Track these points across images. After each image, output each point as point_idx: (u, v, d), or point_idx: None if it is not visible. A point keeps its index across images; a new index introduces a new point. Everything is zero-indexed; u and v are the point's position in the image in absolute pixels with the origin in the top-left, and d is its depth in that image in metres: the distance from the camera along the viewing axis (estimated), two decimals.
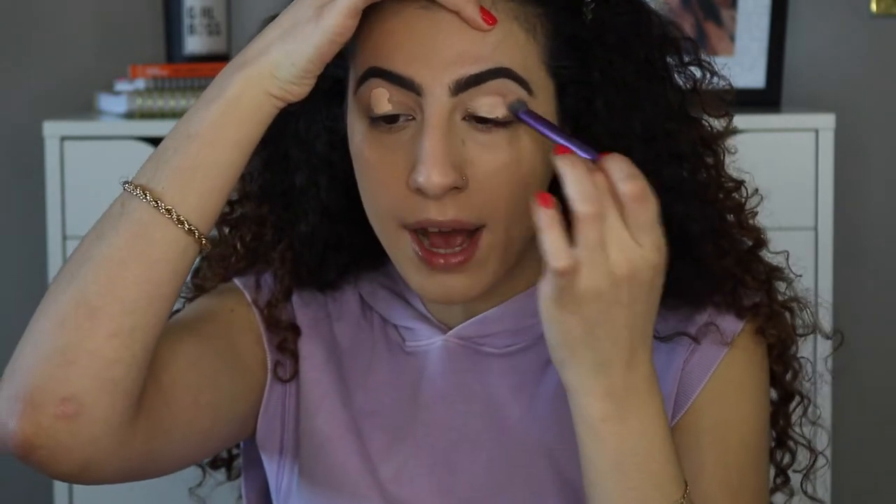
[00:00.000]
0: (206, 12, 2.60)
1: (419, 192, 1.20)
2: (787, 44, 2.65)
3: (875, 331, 2.72)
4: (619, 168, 1.09)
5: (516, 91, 1.20)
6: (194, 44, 2.60)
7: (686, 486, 1.16)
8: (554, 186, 1.14)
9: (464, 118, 1.20)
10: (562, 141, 1.13)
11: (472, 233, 1.22)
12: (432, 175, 1.18)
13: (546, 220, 1.08)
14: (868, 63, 2.71)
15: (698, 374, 1.29)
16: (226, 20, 2.62)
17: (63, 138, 2.36)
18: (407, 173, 1.20)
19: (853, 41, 2.71)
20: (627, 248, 1.08)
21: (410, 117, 1.21)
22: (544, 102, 1.23)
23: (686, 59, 1.31)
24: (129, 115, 2.46)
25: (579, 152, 1.11)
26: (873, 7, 2.70)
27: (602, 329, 1.10)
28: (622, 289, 1.09)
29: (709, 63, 1.33)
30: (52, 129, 2.36)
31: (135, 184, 1.17)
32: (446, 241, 1.22)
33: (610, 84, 1.25)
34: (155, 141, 2.33)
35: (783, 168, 2.36)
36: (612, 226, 1.08)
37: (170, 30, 2.62)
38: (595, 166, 1.09)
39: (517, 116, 1.19)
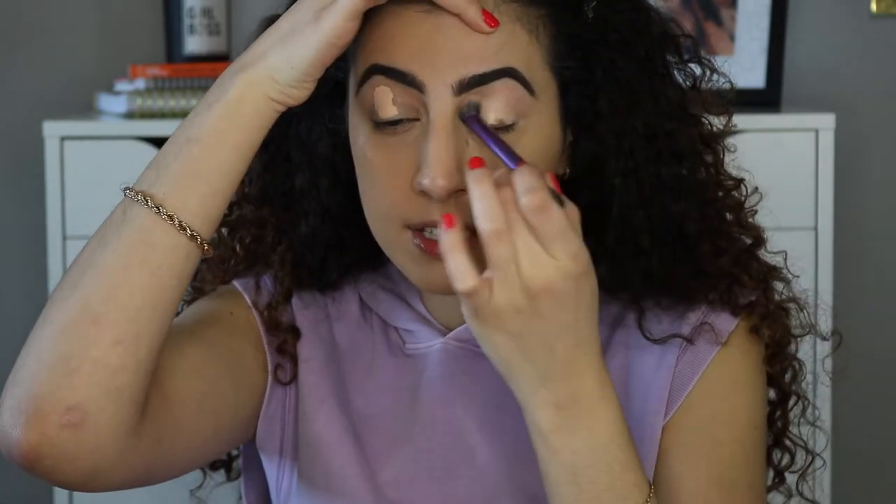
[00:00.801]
0: (206, 12, 2.60)
1: (423, 193, 1.20)
2: (787, 44, 2.65)
3: (875, 331, 2.72)
4: (521, 181, 1.08)
5: (519, 91, 1.20)
6: (194, 44, 2.60)
7: (650, 488, 1.16)
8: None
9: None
10: (500, 153, 1.13)
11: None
12: (437, 178, 1.18)
13: (447, 243, 1.09)
14: (868, 63, 2.71)
15: (690, 372, 1.28)
16: (226, 20, 2.62)
17: (63, 138, 2.36)
18: (411, 175, 1.20)
19: (853, 41, 2.71)
20: (539, 260, 1.08)
21: (415, 119, 1.21)
22: (547, 103, 1.23)
23: (686, 56, 1.31)
24: (129, 115, 2.46)
25: (510, 164, 1.11)
26: (873, 7, 2.70)
27: (531, 341, 1.10)
28: (541, 301, 1.08)
29: (709, 60, 1.33)
30: (52, 129, 2.36)
31: (136, 190, 1.16)
32: None
33: (613, 83, 1.25)
34: (155, 141, 2.34)
35: (783, 168, 2.36)
36: (522, 240, 1.07)
37: (170, 30, 2.62)
38: (504, 182, 1.09)
39: (464, 121, 1.19)
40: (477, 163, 1.10)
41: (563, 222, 1.07)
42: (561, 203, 1.08)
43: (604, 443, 1.13)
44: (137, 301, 1.14)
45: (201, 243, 1.16)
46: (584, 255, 1.09)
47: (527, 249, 1.07)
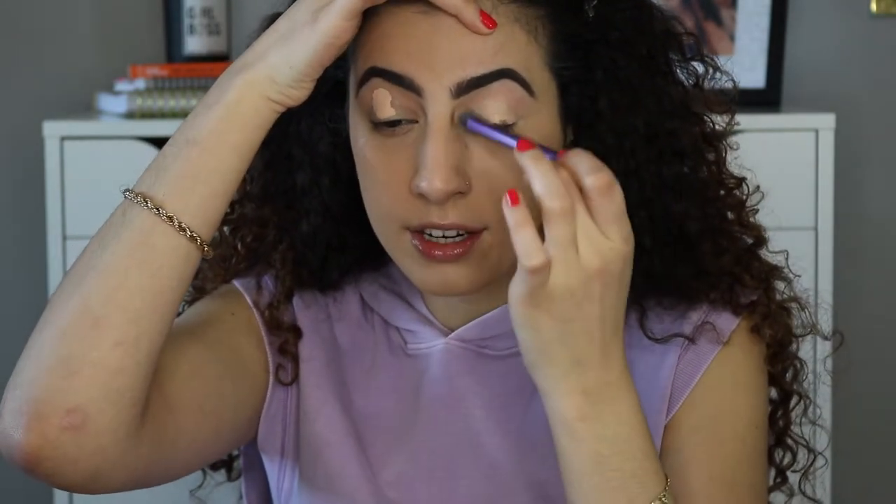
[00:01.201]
0: (206, 12, 2.60)
1: (421, 196, 1.20)
2: (787, 44, 2.65)
3: (875, 331, 2.72)
4: (584, 162, 1.08)
5: (518, 92, 1.20)
6: (194, 44, 2.60)
7: (667, 479, 1.15)
8: None
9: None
10: (515, 142, 1.12)
11: (474, 231, 1.22)
12: (435, 181, 1.18)
13: (517, 217, 1.07)
14: (868, 63, 2.71)
15: (692, 371, 1.29)
16: (226, 20, 2.62)
17: (63, 138, 2.36)
18: (409, 177, 1.20)
19: (853, 41, 2.71)
20: (597, 242, 1.08)
21: (413, 121, 1.21)
22: (546, 104, 1.22)
23: (688, 54, 1.31)
24: (129, 115, 2.46)
25: (541, 151, 1.10)
26: (873, 7, 2.70)
27: (575, 325, 1.09)
28: (594, 284, 1.08)
29: (711, 59, 1.33)
30: (52, 129, 2.36)
31: (136, 191, 1.16)
32: (446, 234, 1.22)
33: (614, 83, 1.25)
34: (155, 141, 2.34)
35: (783, 168, 2.36)
36: (581, 221, 1.07)
37: (170, 30, 2.61)
38: (557, 163, 1.09)
39: (465, 127, 1.19)
40: (526, 145, 1.09)
41: (623, 204, 1.08)
42: None
43: (628, 430, 1.13)
44: (137, 303, 1.14)
45: (201, 244, 1.16)
46: (632, 237, 1.09)
47: (585, 231, 1.08)
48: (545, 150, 1.11)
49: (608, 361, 1.11)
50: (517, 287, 1.09)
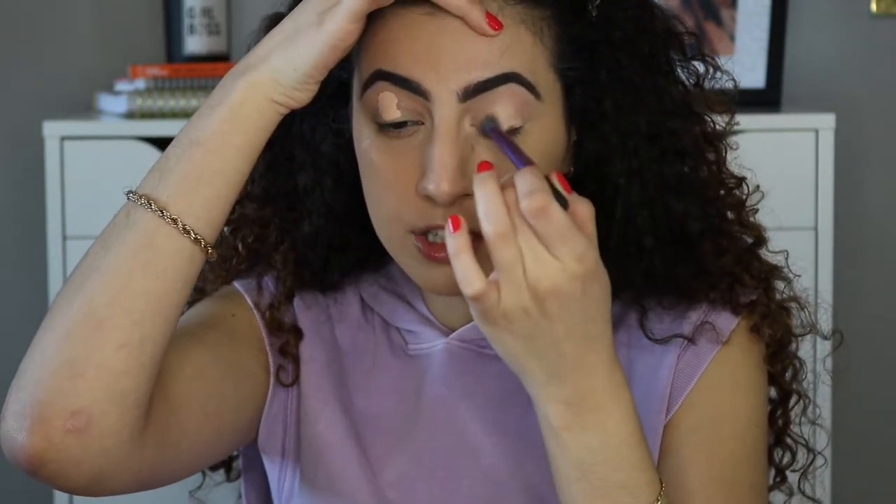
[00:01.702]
0: (206, 12, 2.60)
1: (427, 198, 1.20)
2: (787, 44, 2.65)
3: (875, 331, 2.72)
4: (521, 183, 1.07)
5: (524, 96, 1.20)
6: (194, 44, 2.59)
7: (661, 487, 1.15)
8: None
9: (472, 124, 1.20)
10: (516, 160, 1.12)
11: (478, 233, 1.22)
12: (442, 183, 1.18)
13: (456, 245, 1.08)
14: (868, 63, 2.71)
15: (691, 371, 1.28)
16: (226, 20, 2.62)
17: (63, 138, 2.35)
18: (415, 179, 1.20)
19: (853, 41, 2.71)
20: (544, 262, 1.07)
21: (419, 122, 1.21)
22: (551, 105, 1.22)
23: (689, 53, 1.31)
24: (129, 115, 2.46)
25: (520, 166, 1.10)
26: (873, 7, 2.70)
27: (539, 342, 1.09)
28: (549, 303, 1.08)
29: (712, 58, 1.33)
30: (52, 129, 2.36)
31: (139, 193, 1.16)
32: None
33: (617, 83, 1.25)
34: (155, 141, 2.34)
35: (783, 168, 2.36)
36: (526, 242, 1.07)
37: (170, 30, 2.61)
38: (503, 185, 1.08)
39: (485, 133, 1.19)
40: (485, 166, 1.10)
41: (564, 223, 1.07)
42: (565, 203, 1.08)
43: (615, 441, 1.13)
44: (141, 304, 1.14)
45: (205, 246, 1.16)
46: (590, 255, 1.08)
47: (531, 252, 1.07)
48: (522, 163, 1.10)
49: (585, 374, 1.11)
50: (472, 310, 1.10)
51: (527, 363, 1.11)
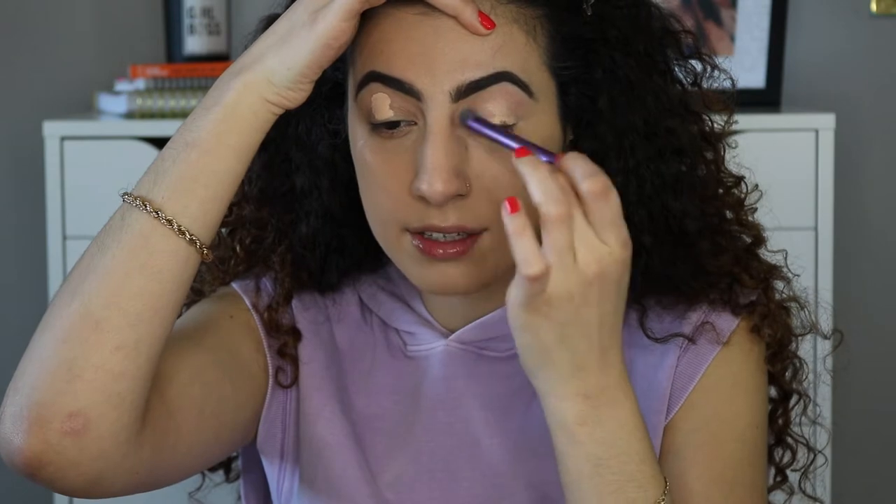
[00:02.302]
0: (206, 12, 2.60)
1: (421, 198, 1.20)
2: (787, 44, 2.65)
3: (875, 331, 2.72)
4: (579, 166, 1.07)
5: (517, 94, 1.20)
6: (194, 44, 2.60)
7: (666, 483, 1.15)
8: None
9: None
10: (516, 145, 1.12)
11: (473, 233, 1.22)
12: (435, 184, 1.18)
13: (516, 225, 1.06)
14: (868, 63, 2.71)
15: (692, 371, 1.29)
16: (226, 20, 2.62)
17: (63, 138, 2.36)
18: (409, 179, 1.20)
19: (853, 41, 2.71)
20: (595, 247, 1.07)
21: (412, 122, 1.21)
22: (546, 104, 1.22)
23: (687, 52, 1.30)
24: (129, 115, 2.46)
25: (539, 155, 1.09)
26: (873, 7, 2.70)
27: (574, 330, 1.09)
28: (592, 289, 1.08)
29: (710, 57, 1.33)
30: (52, 129, 2.36)
31: (135, 195, 1.16)
32: (446, 235, 1.22)
33: (613, 81, 1.25)
34: (155, 141, 2.34)
35: (783, 168, 2.36)
36: (578, 226, 1.07)
37: (170, 30, 2.61)
38: (555, 168, 1.08)
39: (465, 125, 1.18)
40: (524, 152, 1.09)
41: (619, 208, 1.07)
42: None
43: (627, 433, 1.13)
44: (138, 306, 1.14)
45: (201, 247, 1.16)
46: (629, 242, 1.09)
47: (583, 236, 1.07)
48: (543, 151, 1.10)
49: (607, 366, 1.11)
50: (516, 292, 1.08)
51: (554, 354, 1.10)
